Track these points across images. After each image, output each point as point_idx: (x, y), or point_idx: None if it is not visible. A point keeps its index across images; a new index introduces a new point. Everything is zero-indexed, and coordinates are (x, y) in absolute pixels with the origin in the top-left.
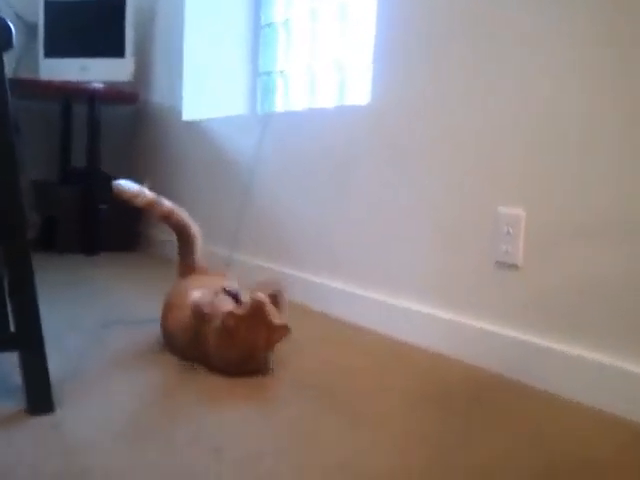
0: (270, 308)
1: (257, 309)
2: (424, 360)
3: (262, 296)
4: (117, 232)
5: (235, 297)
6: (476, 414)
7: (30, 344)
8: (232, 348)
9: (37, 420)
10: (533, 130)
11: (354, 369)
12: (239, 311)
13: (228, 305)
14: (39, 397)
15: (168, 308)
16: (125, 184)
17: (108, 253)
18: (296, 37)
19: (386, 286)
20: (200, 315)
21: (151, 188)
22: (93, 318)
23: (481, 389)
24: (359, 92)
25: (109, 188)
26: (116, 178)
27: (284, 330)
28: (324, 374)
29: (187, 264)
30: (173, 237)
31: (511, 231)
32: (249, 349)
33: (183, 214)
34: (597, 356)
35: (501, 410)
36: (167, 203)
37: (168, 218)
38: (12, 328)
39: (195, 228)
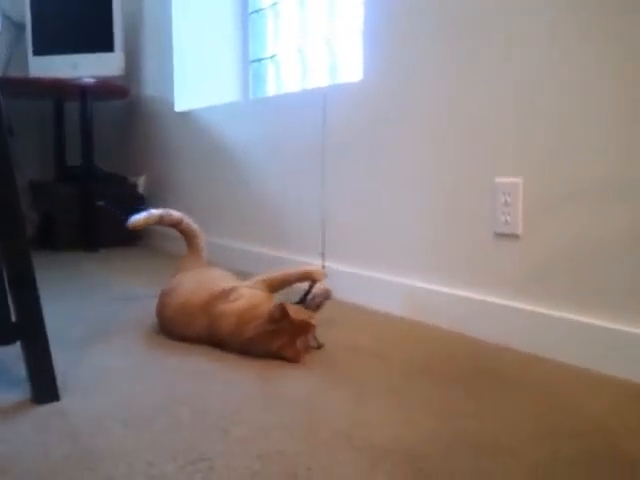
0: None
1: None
2: (427, 335)
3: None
4: (115, 228)
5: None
6: (481, 385)
7: (32, 333)
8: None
9: (43, 408)
10: (526, 99)
11: (357, 346)
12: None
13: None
14: (44, 386)
15: (171, 295)
16: (135, 218)
17: (107, 249)
18: (285, 21)
19: (384, 263)
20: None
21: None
22: (95, 311)
23: (485, 360)
24: (351, 71)
25: (105, 184)
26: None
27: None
28: (327, 352)
29: (194, 260)
30: (171, 231)
31: (509, 200)
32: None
33: (188, 220)
34: (602, 322)
35: (506, 380)
36: (175, 213)
37: (178, 225)
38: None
39: (199, 231)
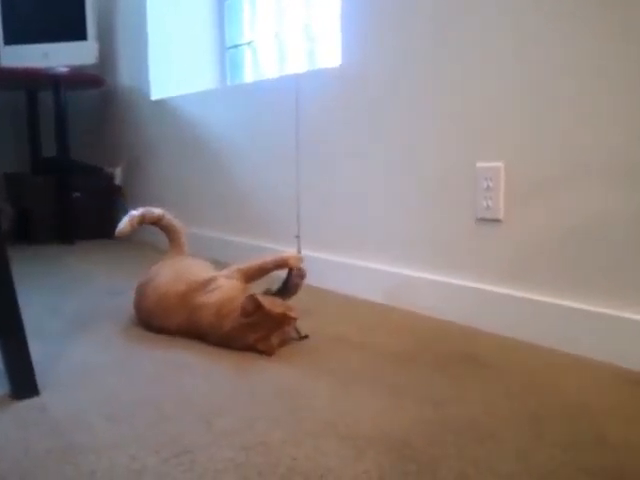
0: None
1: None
2: (411, 321)
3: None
4: (92, 220)
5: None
6: (464, 370)
7: (9, 328)
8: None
9: (23, 404)
10: (507, 82)
11: (338, 335)
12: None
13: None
14: (23, 381)
15: (149, 287)
16: (120, 227)
17: (84, 241)
18: (261, 6)
19: (364, 250)
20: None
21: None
22: (73, 304)
23: (467, 346)
24: (329, 57)
25: (81, 176)
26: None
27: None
28: (309, 341)
29: (177, 256)
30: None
31: (491, 185)
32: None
33: (169, 216)
34: (582, 305)
35: (489, 365)
36: (155, 210)
37: (159, 222)
38: None
39: (180, 226)
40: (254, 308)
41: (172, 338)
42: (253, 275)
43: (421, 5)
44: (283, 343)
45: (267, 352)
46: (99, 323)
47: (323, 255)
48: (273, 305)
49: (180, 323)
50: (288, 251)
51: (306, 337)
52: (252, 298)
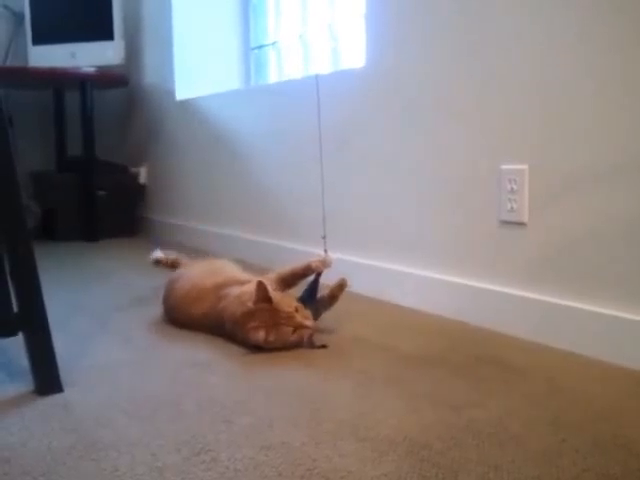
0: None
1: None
2: (431, 324)
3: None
4: (116, 218)
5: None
6: (486, 374)
7: (34, 325)
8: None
9: (47, 400)
10: (532, 85)
11: (360, 336)
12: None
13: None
14: (47, 377)
15: (181, 279)
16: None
17: (108, 239)
18: (286, 7)
19: (388, 252)
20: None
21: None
22: (97, 301)
23: (490, 349)
24: (353, 58)
25: (106, 174)
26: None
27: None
28: (330, 342)
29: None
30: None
31: (515, 188)
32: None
33: (180, 257)
34: (608, 310)
35: (513, 368)
36: (171, 256)
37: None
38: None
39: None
40: (259, 290)
41: (194, 336)
42: (287, 282)
43: (445, 6)
44: (280, 342)
45: (256, 342)
46: (122, 320)
47: (347, 256)
48: (282, 301)
49: (206, 311)
50: (316, 253)
51: (324, 347)
52: (261, 284)
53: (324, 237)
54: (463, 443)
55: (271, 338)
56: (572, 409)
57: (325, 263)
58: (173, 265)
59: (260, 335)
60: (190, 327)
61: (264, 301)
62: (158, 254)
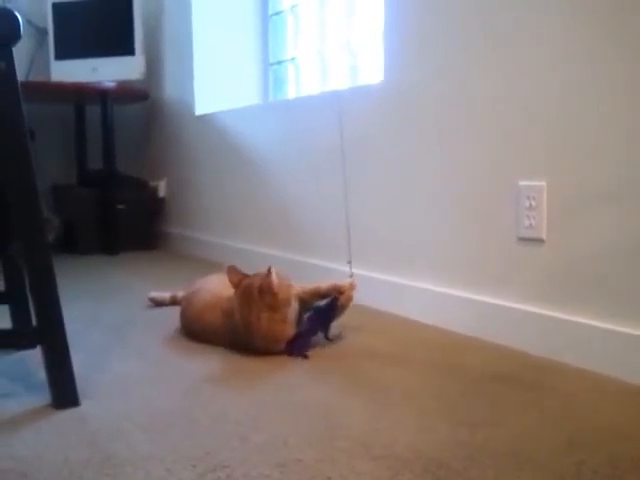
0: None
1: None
2: (447, 340)
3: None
4: (136, 232)
5: None
6: (504, 391)
7: (52, 338)
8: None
9: (63, 413)
10: (552, 101)
11: (375, 351)
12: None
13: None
14: (64, 391)
15: (201, 292)
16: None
17: (128, 253)
18: (305, 23)
19: (406, 268)
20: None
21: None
22: (114, 314)
23: (509, 366)
24: (372, 73)
25: (126, 188)
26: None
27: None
28: (344, 357)
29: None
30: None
31: (533, 204)
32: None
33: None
34: (627, 329)
35: (529, 386)
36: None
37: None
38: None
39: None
40: (236, 276)
41: (209, 351)
42: (307, 298)
43: (463, 22)
44: (271, 327)
45: (268, 288)
46: (139, 334)
47: (367, 272)
48: (282, 285)
49: (225, 320)
50: (344, 281)
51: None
52: (231, 267)
53: (349, 262)
54: (480, 462)
55: (267, 321)
56: (589, 428)
57: (352, 287)
58: (172, 302)
59: (255, 317)
60: (209, 339)
61: (243, 278)
62: (153, 294)
